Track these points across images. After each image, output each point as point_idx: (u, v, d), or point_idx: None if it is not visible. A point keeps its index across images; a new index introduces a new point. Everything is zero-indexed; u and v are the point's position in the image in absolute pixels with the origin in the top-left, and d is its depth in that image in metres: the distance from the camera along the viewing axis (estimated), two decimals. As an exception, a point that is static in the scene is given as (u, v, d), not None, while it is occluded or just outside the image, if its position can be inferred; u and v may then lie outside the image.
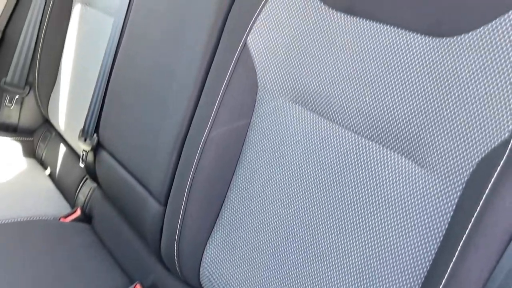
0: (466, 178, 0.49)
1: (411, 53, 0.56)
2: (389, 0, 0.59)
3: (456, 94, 0.51)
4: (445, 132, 0.52)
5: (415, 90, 0.55)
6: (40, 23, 1.41)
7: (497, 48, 0.48)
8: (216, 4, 0.81)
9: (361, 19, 0.62)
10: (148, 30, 0.97)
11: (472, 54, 0.50)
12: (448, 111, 0.52)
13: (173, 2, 0.91)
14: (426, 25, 0.55)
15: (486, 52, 0.49)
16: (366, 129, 0.60)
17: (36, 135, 1.50)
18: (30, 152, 1.48)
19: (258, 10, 0.73)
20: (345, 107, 0.62)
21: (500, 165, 0.45)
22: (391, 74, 0.58)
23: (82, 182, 1.22)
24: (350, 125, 0.62)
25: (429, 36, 0.54)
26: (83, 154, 1.12)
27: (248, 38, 0.74)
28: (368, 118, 0.60)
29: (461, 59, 0.51)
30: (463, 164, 0.49)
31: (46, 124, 1.48)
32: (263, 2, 0.73)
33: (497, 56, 0.48)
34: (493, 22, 0.49)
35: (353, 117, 0.61)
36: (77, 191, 1.22)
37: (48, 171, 1.38)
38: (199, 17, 0.83)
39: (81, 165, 1.13)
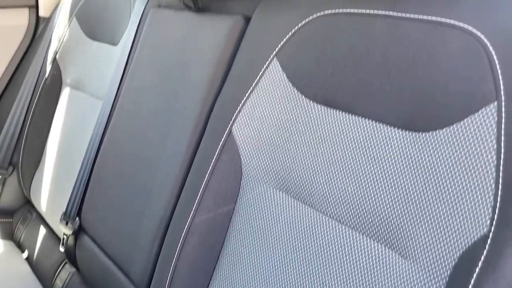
0: (448, 272, 0.49)
1: (390, 146, 0.58)
2: (365, 95, 0.62)
3: (434, 188, 0.53)
4: (425, 224, 0.52)
5: (395, 182, 0.57)
6: (29, 104, 1.43)
7: (470, 145, 0.50)
8: (203, 94, 0.84)
9: (340, 112, 0.64)
10: (136, 115, 0.99)
11: (448, 150, 0.52)
12: (427, 204, 0.53)
13: (161, 90, 0.94)
14: (401, 119, 0.57)
15: (460, 148, 0.51)
16: (349, 218, 0.61)
17: (16, 216, 1.47)
18: (8, 234, 1.44)
19: (243, 100, 0.76)
20: (328, 196, 0.63)
21: (481, 261, 0.45)
22: (371, 165, 0.59)
23: (60, 267, 1.18)
24: (333, 214, 0.63)
25: (405, 130, 0.57)
26: (63, 238, 1.09)
27: (233, 127, 0.76)
28: (351, 207, 0.61)
29: (437, 154, 0.53)
30: (444, 258, 0.50)
31: (27, 205, 1.46)
32: (248, 93, 0.76)
33: (471, 153, 0.50)
34: (465, 120, 0.51)
35: (336, 206, 0.62)
36: (55, 277, 1.18)
37: (25, 254, 1.34)
38: (186, 105, 0.86)
39: (61, 249, 1.10)
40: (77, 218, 1.06)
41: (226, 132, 0.77)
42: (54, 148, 1.30)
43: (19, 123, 1.43)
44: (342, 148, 0.63)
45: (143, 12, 1.09)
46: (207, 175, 0.77)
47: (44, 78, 1.41)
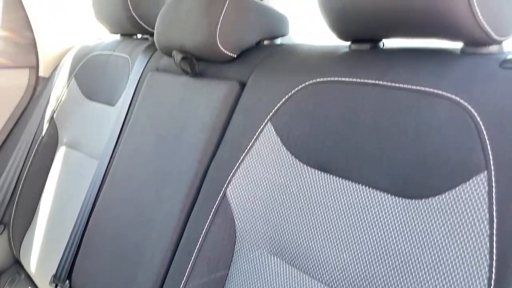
0: None
1: (384, 212, 0.58)
2: (358, 161, 0.63)
3: (430, 256, 0.52)
4: (422, 294, 0.52)
5: (390, 249, 0.56)
6: (24, 163, 1.43)
7: (462, 213, 0.51)
8: (198, 156, 0.84)
9: (334, 177, 0.65)
10: (131, 176, 0.99)
11: (441, 218, 0.53)
12: (423, 272, 0.52)
13: (156, 152, 0.95)
14: (394, 186, 0.58)
15: (453, 216, 0.52)
16: (344, 286, 0.60)
17: (4, 277, 1.43)
18: (-5, 295, 1.39)
19: (237, 163, 0.77)
20: (323, 263, 0.62)
21: (479, 334, 0.45)
22: (365, 231, 0.59)
23: (46, 333, 1.14)
24: (328, 281, 0.61)
25: (399, 197, 0.57)
26: (52, 302, 1.06)
27: (228, 189, 0.76)
28: (346, 274, 0.60)
29: (431, 222, 0.53)
30: (442, 331, 0.49)
31: (16, 265, 1.43)
32: (242, 156, 0.77)
33: (464, 222, 0.50)
34: (456, 188, 0.52)
35: (331, 273, 0.61)
36: None
37: (11, 318, 1.29)
38: (180, 167, 0.87)
39: (49, 313, 1.07)
40: (67, 281, 1.04)
41: (220, 195, 0.77)
42: (47, 208, 1.29)
43: (13, 182, 1.43)
44: (336, 213, 0.63)
45: (141, 75, 1.12)
46: (200, 238, 0.76)
47: (41, 137, 1.42)
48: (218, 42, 0.87)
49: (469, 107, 0.53)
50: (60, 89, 1.44)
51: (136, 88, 1.11)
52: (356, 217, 0.61)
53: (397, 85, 0.61)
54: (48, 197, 1.31)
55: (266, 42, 0.94)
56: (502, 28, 0.57)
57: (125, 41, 1.29)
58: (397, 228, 0.56)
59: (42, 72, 1.57)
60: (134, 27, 1.22)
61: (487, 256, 0.48)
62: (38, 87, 1.57)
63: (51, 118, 1.42)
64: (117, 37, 1.37)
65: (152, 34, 1.23)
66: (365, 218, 0.60)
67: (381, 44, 0.73)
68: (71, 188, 1.22)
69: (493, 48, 0.59)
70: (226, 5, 0.86)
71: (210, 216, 0.76)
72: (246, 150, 0.76)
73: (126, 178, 1.00)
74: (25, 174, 1.41)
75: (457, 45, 0.63)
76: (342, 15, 0.66)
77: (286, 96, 0.74)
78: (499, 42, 0.59)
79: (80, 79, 1.36)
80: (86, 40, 1.50)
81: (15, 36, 1.55)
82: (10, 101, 1.55)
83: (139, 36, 1.33)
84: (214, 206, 0.77)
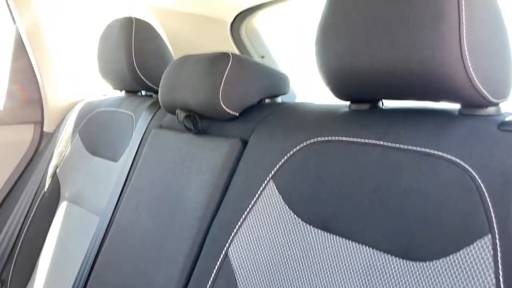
0: None
1: (388, 274, 0.57)
2: (361, 221, 0.62)
3: (436, 322, 0.51)
4: None
5: (396, 314, 0.55)
6: (25, 218, 1.42)
7: (468, 277, 0.50)
8: (199, 215, 0.84)
9: (337, 237, 0.64)
10: (131, 234, 0.98)
11: (446, 281, 0.52)
12: None
13: (158, 210, 0.94)
14: (398, 248, 0.57)
15: (458, 280, 0.51)
16: None
17: (-1, 338, 1.39)
18: None
19: (239, 222, 0.76)
20: (327, 327, 0.61)
21: None
22: (370, 295, 0.58)
23: None
24: None
25: (403, 259, 0.56)
26: None
27: (230, 249, 0.75)
28: None
29: (436, 285, 0.52)
30: None
31: (12, 325, 1.39)
32: (244, 215, 0.76)
33: (471, 285, 0.49)
34: (461, 252, 0.51)
35: None
36: None
37: None
38: (182, 226, 0.86)
39: None
40: None
41: (222, 255, 0.76)
42: (46, 265, 1.27)
43: (13, 237, 1.41)
44: (339, 274, 0.62)
45: (144, 132, 1.13)
46: None
47: (43, 192, 1.42)
48: (221, 101, 0.88)
49: (470, 169, 0.54)
50: (63, 144, 1.46)
51: (139, 144, 1.13)
52: (359, 279, 0.60)
53: (397, 145, 0.62)
54: (47, 254, 1.29)
55: (267, 101, 0.96)
56: (498, 91, 0.58)
57: (130, 98, 1.31)
58: (403, 292, 0.55)
59: (46, 128, 1.59)
60: (138, 84, 1.25)
61: (497, 325, 0.46)
62: (42, 142, 1.59)
63: (54, 173, 1.42)
64: (121, 93, 1.40)
65: (156, 91, 1.26)
66: (369, 280, 0.59)
67: (380, 104, 0.74)
68: (71, 244, 1.21)
69: (491, 110, 0.60)
70: (228, 66, 0.88)
71: (212, 277, 0.75)
72: (248, 209, 0.76)
73: (126, 236, 0.99)
74: (25, 230, 1.40)
75: (455, 105, 0.64)
76: (340, 76, 0.67)
77: (288, 155, 0.75)
78: (495, 104, 0.60)
79: (84, 135, 1.38)
80: (91, 96, 1.54)
81: (21, 93, 1.58)
82: (13, 155, 1.56)
83: (143, 92, 1.36)
84: (216, 267, 0.75)
